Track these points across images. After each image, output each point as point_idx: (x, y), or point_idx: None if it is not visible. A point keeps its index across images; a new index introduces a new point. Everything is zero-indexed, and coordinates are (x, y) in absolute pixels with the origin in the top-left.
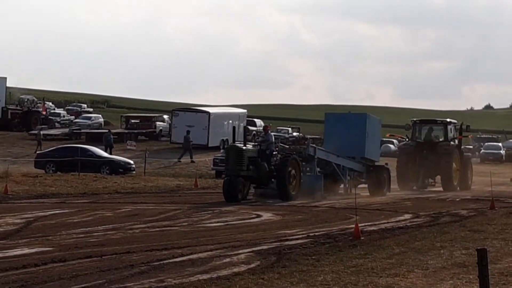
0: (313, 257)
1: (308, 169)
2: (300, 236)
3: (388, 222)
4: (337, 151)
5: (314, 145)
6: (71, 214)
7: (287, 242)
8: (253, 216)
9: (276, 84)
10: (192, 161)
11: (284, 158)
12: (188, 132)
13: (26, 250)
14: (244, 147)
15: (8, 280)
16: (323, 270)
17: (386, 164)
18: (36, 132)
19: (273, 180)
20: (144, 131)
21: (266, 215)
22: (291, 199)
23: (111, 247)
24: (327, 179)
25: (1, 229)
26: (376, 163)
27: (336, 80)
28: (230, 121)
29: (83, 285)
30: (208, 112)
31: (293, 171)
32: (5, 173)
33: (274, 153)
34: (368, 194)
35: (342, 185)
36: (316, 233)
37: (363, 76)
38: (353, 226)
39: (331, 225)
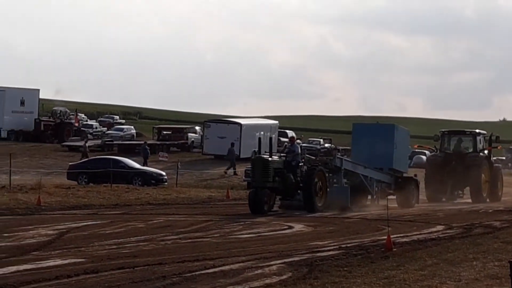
0: (345, 269)
1: (335, 180)
2: (332, 247)
3: (420, 234)
4: (364, 162)
5: (340, 156)
6: (104, 226)
7: (319, 254)
8: (285, 227)
9: (307, 96)
10: (225, 172)
11: (310, 169)
12: (232, 144)
13: (59, 261)
14: (270, 159)
15: None
16: (355, 281)
17: (415, 175)
18: (82, 144)
19: (299, 191)
20: (176, 142)
21: (298, 227)
22: (317, 211)
23: (143, 258)
24: (354, 191)
25: (34, 241)
26: (405, 175)
27: (367, 92)
28: (262, 132)
29: None
30: (240, 124)
31: (319, 183)
32: (38, 185)
33: (300, 164)
34: (396, 205)
35: (369, 197)
36: (348, 245)
37: (394, 87)
38: (385, 237)
39: (363, 237)
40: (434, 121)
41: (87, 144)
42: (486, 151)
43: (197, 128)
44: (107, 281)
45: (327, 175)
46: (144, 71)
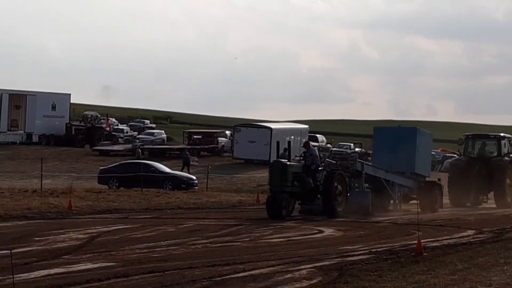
0: (375, 273)
1: (356, 185)
2: (362, 252)
3: (451, 238)
4: (386, 166)
5: (361, 160)
6: (134, 230)
7: (349, 258)
8: (315, 231)
9: (337, 100)
10: None
11: (330, 173)
12: (285, 149)
13: (90, 265)
14: (288, 163)
15: None
16: (385, 286)
17: (439, 179)
18: (136, 149)
19: (318, 196)
20: (206, 146)
21: (328, 231)
22: (337, 216)
23: (174, 262)
24: (376, 195)
25: (65, 244)
26: (428, 179)
27: (398, 96)
28: (293, 137)
29: None
30: (270, 128)
31: (339, 187)
32: (69, 189)
33: (320, 168)
34: (419, 210)
35: (392, 201)
36: (378, 249)
37: (424, 91)
38: (416, 242)
39: (393, 241)
40: (465, 125)
41: (139, 149)
42: (511, 155)
43: (227, 132)
44: (138, 285)
45: (347, 179)
46: (175, 76)
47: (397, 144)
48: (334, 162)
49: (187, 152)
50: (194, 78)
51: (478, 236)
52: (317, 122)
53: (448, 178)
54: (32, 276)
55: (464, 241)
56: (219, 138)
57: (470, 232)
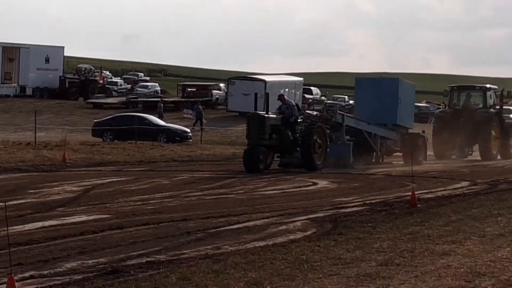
0: (369, 225)
1: (336, 137)
2: (356, 203)
3: (445, 190)
4: (368, 118)
5: (342, 112)
6: (128, 182)
7: (343, 210)
8: (309, 183)
9: (333, 53)
10: None
11: (309, 126)
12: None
13: (84, 217)
14: (266, 115)
15: (67, 247)
16: (380, 237)
17: (423, 131)
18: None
19: (298, 149)
20: (200, 99)
21: (322, 183)
22: (316, 169)
23: (168, 214)
24: (358, 148)
25: (60, 197)
26: (411, 131)
27: (393, 48)
28: (287, 89)
29: (140, 252)
30: (264, 81)
31: (318, 140)
32: (63, 142)
33: (299, 120)
34: (403, 162)
35: (374, 154)
36: (372, 201)
37: (420, 44)
38: (410, 193)
39: (387, 193)
40: (460, 78)
41: (161, 105)
42: (497, 107)
43: (222, 85)
44: (132, 236)
45: (328, 132)
46: (169, 29)
47: (379, 96)
48: (314, 114)
49: (200, 107)
50: (188, 31)
51: (472, 187)
52: (311, 75)
53: (433, 130)
54: (27, 228)
55: (458, 193)
56: (213, 91)
57: (464, 183)
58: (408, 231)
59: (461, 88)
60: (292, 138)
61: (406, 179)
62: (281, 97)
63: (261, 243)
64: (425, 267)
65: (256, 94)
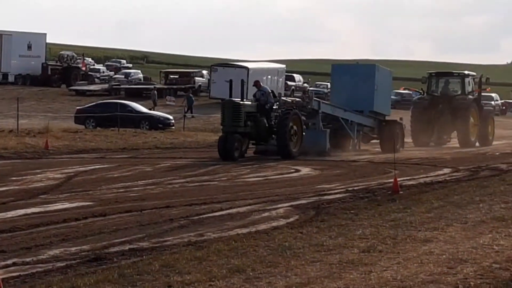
0: (352, 211)
1: (313, 124)
2: (339, 190)
3: (427, 177)
4: (344, 104)
5: (318, 99)
6: (111, 169)
7: (325, 197)
8: (292, 170)
9: (315, 40)
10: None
11: (285, 113)
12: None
13: (67, 205)
14: (241, 102)
15: (49, 234)
16: (362, 224)
17: (400, 119)
18: (152, 91)
19: (273, 136)
20: (183, 86)
21: (305, 170)
22: (292, 157)
23: (151, 201)
24: (335, 135)
25: (42, 184)
26: (388, 118)
27: (375, 35)
28: (269, 76)
29: (123, 239)
30: (247, 68)
31: (294, 127)
32: (45, 129)
33: (275, 107)
34: (380, 150)
35: (351, 141)
36: (355, 188)
37: (402, 31)
38: (392, 180)
39: (370, 180)
40: (442, 65)
41: (155, 92)
42: (475, 93)
43: (204, 72)
44: (115, 224)
45: (304, 118)
46: (151, 15)
47: (355, 82)
48: (290, 101)
49: (191, 95)
50: (171, 18)
51: (454, 174)
52: (294, 61)
53: (411, 118)
54: (9, 215)
55: (440, 179)
56: (196, 78)
57: (446, 170)
58: (390, 217)
59: (439, 74)
60: (267, 125)
61: (388, 166)
62: (256, 84)
63: (244, 230)
64: (407, 253)
65: (231, 80)
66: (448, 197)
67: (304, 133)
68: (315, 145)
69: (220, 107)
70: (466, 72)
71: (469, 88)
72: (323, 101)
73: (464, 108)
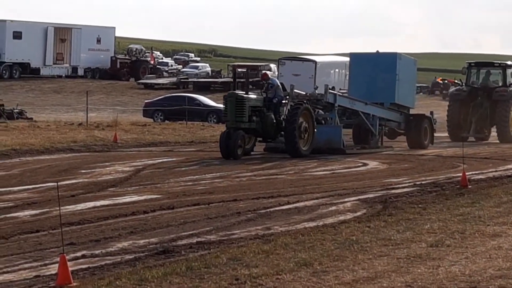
0: (420, 206)
1: (331, 119)
2: (407, 184)
3: (496, 171)
4: (363, 96)
5: (334, 91)
6: (179, 162)
7: (393, 191)
8: (359, 164)
9: (382, 33)
10: None
11: (294, 108)
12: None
13: (135, 198)
14: (245, 95)
15: (118, 227)
16: (430, 218)
17: (431, 112)
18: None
19: (282, 133)
20: (251, 79)
21: (373, 164)
22: (301, 155)
23: (219, 195)
24: (358, 130)
25: (111, 177)
26: (413, 111)
27: (443, 28)
28: (337, 70)
29: (190, 232)
30: (314, 61)
31: (304, 123)
32: (114, 122)
33: (284, 102)
34: (407, 146)
35: (372, 136)
36: (423, 182)
37: (471, 24)
38: (460, 174)
39: (438, 174)
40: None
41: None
42: None
43: (272, 65)
44: (183, 217)
45: (322, 112)
46: (219, 9)
47: (375, 72)
48: (304, 93)
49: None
50: (239, 12)
51: None
52: None
53: (448, 110)
54: (79, 208)
55: (510, 174)
56: (264, 72)
57: None
58: (458, 212)
59: (480, 64)
60: (275, 121)
61: (456, 160)
62: (264, 76)
63: (311, 224)
64: (475, 248)
65: (234, 69)
66: None
67: (316, 130)
68: (329, 142)
69: (223, 101)
70: (508, 62)
71: (511, 80)
72: (339, 94)
73: (504, 100)
